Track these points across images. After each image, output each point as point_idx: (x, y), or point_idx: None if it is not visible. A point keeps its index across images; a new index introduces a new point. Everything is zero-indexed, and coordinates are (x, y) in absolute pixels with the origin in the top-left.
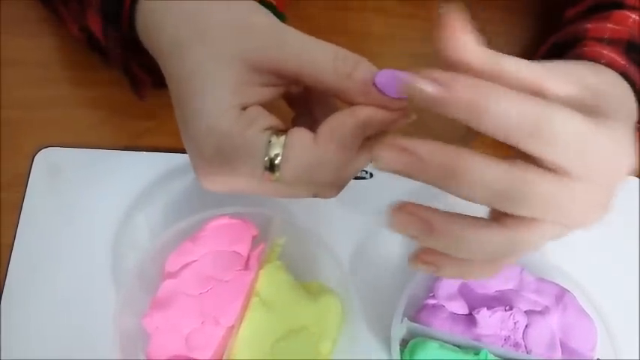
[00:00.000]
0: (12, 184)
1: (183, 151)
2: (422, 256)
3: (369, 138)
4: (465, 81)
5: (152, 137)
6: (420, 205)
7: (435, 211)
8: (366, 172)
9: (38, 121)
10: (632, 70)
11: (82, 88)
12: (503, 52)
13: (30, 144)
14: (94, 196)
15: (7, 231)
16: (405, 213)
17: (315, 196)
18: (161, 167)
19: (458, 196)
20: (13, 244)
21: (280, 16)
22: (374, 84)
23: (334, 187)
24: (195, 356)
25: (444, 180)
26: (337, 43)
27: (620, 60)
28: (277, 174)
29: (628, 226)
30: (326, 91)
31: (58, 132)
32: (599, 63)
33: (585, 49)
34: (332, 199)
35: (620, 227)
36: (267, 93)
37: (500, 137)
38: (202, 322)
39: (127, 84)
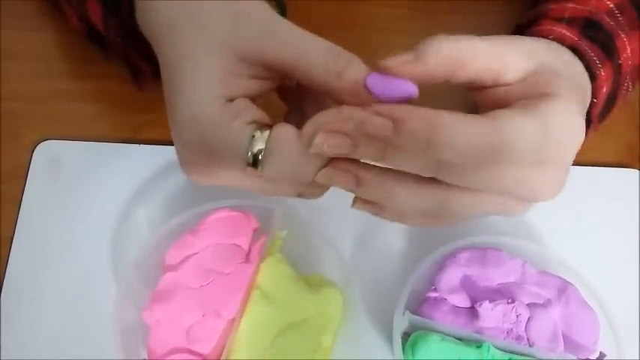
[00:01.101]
0: (12, 176)
1: None
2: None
3: None
4: (418, 116)
5: (152, 130)
6: (354, 161)
7: (367, 166)
8: None
9: (38, 114)
10: (583, 45)
11: (82, 81)
12: (498, 33)
13: (30, 137)
14: (94, 188)
15: (6, 224)
16: (336, 169)
17: (300, 196)
18: (161, 160)
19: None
20: (12, 237)
21: (282, 6)
22: (365, 85)
23: (319, 186)
24: (195, 349)
25: (382, 158)
26: (339, 35)
27: (572, 36)
28: (260, 169)
29: (629, 217)
30: (316, 88)
31: (57, 125)
32: (547, 39)
33: (537, 27)
34: (332, 191)
35: (621, 219)
36: (256, 86)
37: (459, 165)
38: (203, 315)
39: (127, 76)
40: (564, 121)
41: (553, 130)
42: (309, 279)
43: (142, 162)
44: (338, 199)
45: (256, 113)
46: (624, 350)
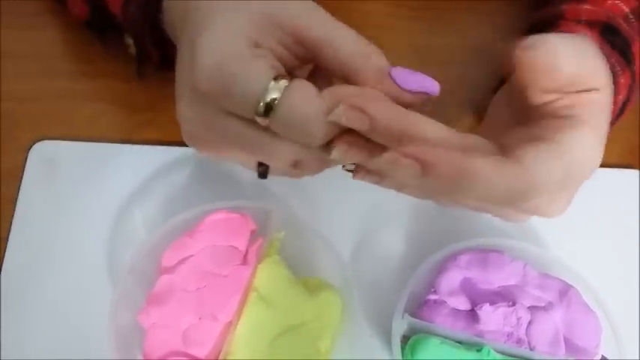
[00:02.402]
0: (7, 176)
1: (180, 145)
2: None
3: None
4: (448, 162)
5: (148, 130)
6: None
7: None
8: None
9: (34, 114)
10: (606, 50)
11: (79, 80)
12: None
13: (26, 137)
14: (90, 189)
15: (2, 224)
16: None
17: (295, 166)
18: (158, 160)
19: None
20: (8, 238)
21: None
22: (389, 73)
23: (318, 158)
24: (192, 352)
25: (395, 142)
26: None
27: (595, 39)
28: (268, 120)
29: (630, 219)
30: (340, 70)
31: (54, 125)
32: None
33: (560, 28)
34: (331, 193)
35: (622, 220)
36: (282, 53)
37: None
38: (200, 318)
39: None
40: (587, 154)
41: (575, 164)
42: (307, 281)
43: (139, 163)
44: (337, 200)
45: (279, 66)
46: (626, 353)
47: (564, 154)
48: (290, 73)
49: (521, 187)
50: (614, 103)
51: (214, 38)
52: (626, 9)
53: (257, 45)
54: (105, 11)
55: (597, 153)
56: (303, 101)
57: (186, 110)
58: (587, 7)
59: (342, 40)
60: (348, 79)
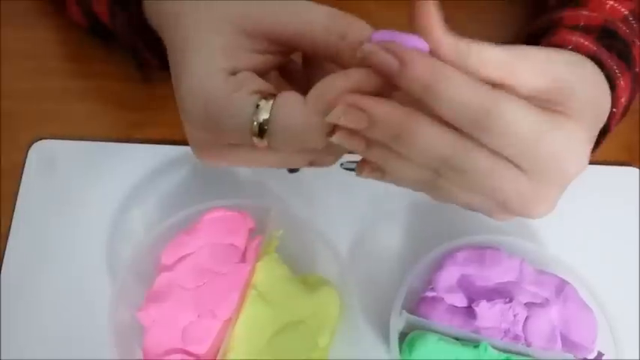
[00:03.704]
0: (7, 175)
1: (178, 143)
2: (367, 162)
3: None
4: (425, 63)
5: (147, 129)
6: (370, 97)
7: (384, 101)
8: None
9: (33, 113)
10: (602, 54)
11: (77, 80)
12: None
13: (25, 136)
14: (89, 188)
15: (2, 222)
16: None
17: (312, 165)
18: (156, 159)
19: (405, 154)
20: (7, 236)
21: None
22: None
23: (330, 153)
24: (191, 350)
25: (393, 139)
26: None
27: (590, 45)
28: (266, 140)
29: (628, 216)
30: (321, 55)
31: (52, 124)
32: (566, 49)
33: (555, 37)
34: (329, 191)
35: (620, 218)
36: (261, 60)
37: (452, 121)
38: (198, 316)
39: (123, 75)
40: (568, 146)
41: (555, 149)
42: (306, 279)
43: (138, 161)
44: (335, 198)
45: (261, 84)
46: (622, 350)
47: (544, 125)
48: (283, 68)
49: (490, 108)
50: (616, 105)
51: (193, 83)
52: (625, 11)
53: (233, 72)
54: (101, 23)
55: (579, 151)
56: (292, 115)
57: (191, 132)
58: (585, 12)
59: (312, 27)
60: (334, 61)
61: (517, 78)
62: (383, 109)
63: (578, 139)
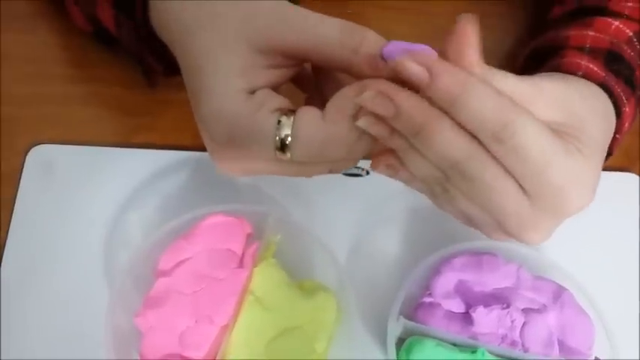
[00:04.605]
0: (5, 180)
1: (177, 148)
2: (382, 158)
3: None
4: (453, 74)
5: (146, 134)
6: (393, 86)
7: (407, 94)
8: (362, 170)
9: (31, 118)
10: (610, 81)
11: (76, 84)
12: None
13: (23, 140)
14: (88, 193)
15: (0, 227)
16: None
17: (331, 172)
18: (155, 164)
19: (421, 150)
20: (5, 241)
21: None
22: (382, 56)
23: (349, 160)
24: (189, 355)
25: (413, 133)
26: None
27: (599, 71)
28: (289, 154)
29: (627, 223)
30: (335, 68)
31: (51, 128)
32: (577, 75)
33: (564, 59)
34: (327, 196)
35: (619, 224)
36: (277, 75)
37: (471, 129)
38: (196, 321)
39: (124, 77)
40: (575, 179)
41: (562, 178)
42: (303, 284)
43: (136, 166)
44: (332, 203)
45: (280, 101)
46: (619, 356)
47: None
48: (300, 78)
49: (508, 121)
50: (620, 131)
51: (213, 106)
52: (630, 32)
53: (252, 91)
54: (105, 29)
55: (585, 188)
56: (313, 129)
57: (212, 147)
58: (592, 33)
59: (325, 41)
60: (346, 72)
61: (534, 109)
62: (409, 103)
63: (586, 174)
